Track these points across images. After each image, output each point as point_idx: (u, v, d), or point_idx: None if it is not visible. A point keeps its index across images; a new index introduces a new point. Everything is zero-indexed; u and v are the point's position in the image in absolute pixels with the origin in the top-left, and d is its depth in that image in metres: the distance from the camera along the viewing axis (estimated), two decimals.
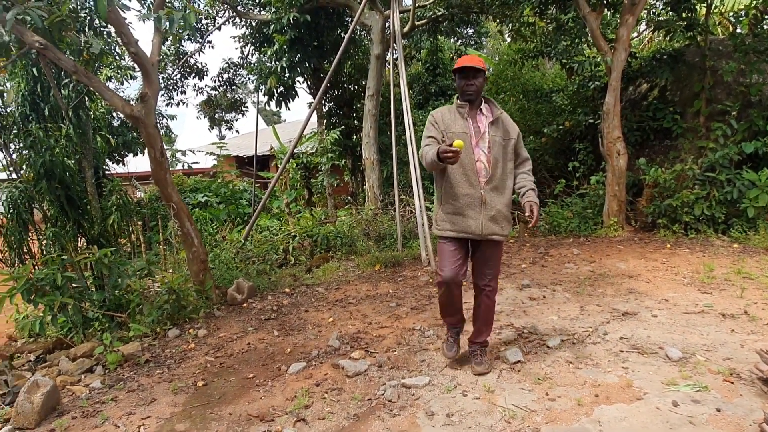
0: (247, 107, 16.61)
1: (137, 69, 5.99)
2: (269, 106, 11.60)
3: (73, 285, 4.56)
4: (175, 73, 12.97)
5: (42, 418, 3.08)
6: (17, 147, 5.89)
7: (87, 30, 5.44)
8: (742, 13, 8.20)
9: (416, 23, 10.07)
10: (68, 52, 4.97)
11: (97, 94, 5.70)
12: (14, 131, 5.85)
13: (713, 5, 8.37)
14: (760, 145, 7.09)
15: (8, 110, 6.00)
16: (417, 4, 9.94)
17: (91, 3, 4.18)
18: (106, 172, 7.07)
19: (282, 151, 11.89)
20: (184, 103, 14.78)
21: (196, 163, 13.07)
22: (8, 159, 5.91)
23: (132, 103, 4.92)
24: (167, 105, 13.61)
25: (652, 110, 8.72)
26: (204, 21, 11.88)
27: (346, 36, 7.95)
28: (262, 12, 10.86)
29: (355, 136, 11.63)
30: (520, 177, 3.19)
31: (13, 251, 5.52)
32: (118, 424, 3.00)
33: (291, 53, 10.07)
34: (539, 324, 4.11)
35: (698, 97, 8.13)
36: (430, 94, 12.10)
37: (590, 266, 5.87)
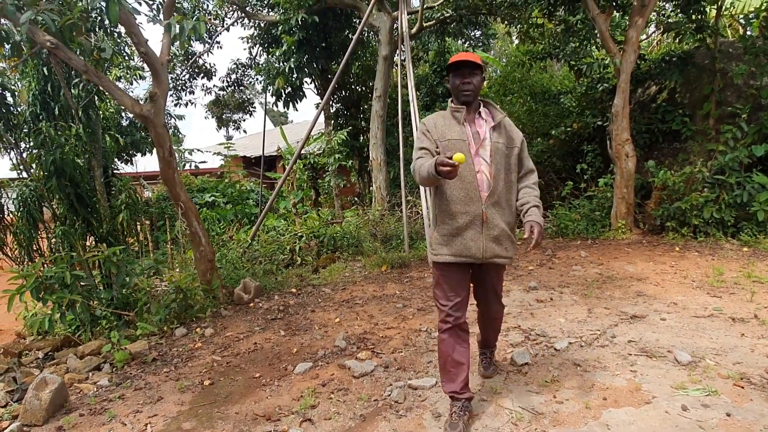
0: (254, 108, 16.70)
1: (146, 69, 6.04)
2: (277, 106, 11.65)
3: (82, 283, 4.59)
4: (184, 73, 13.05)
5: (50, 415, 3.10)
6: (27, 146, 5.94)
7: (98, 30, 5.49)
8: (753, 15, 8.14)
9: (424, 24, 10.07)
10: (78, 52, 5.02)
11: (106, 93, 5.75)
12: (25, 130, 5.90)
13: (723, 7, 8.31)
14: None
15: (20, 109, 6.06)
16: (425, 6, 9.93)
17: (103, 4, 4.20)
18: (115, 171, 7.11)
19: (289, 152, 11.93)
20: (192, 104, 14.83)
21: (204, 162, 13.14)
22: (19, 158, 5.96)
23: (141, 102, 4.94)
24: (176, 105, 13.72)
25: (661, 112, 8.66)
26: (213, 22, 11.95)
27: (354, 37, 7.96)
28: (271, 13, 10.91)
29: (362, 137, 11.64)
30: (523, 191, 2.75)
31: (23, 249, 5.57)
32: (125, 422, 3.01)
33: (299, 54, 10.10)
34: (547, 326, 4.09)
35: (708, 99, 8.07)
36: (437, 95, 12.08)
37: (598, 269, 5.84)
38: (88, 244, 5.65)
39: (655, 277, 5.35)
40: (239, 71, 13.88)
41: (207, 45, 12.46)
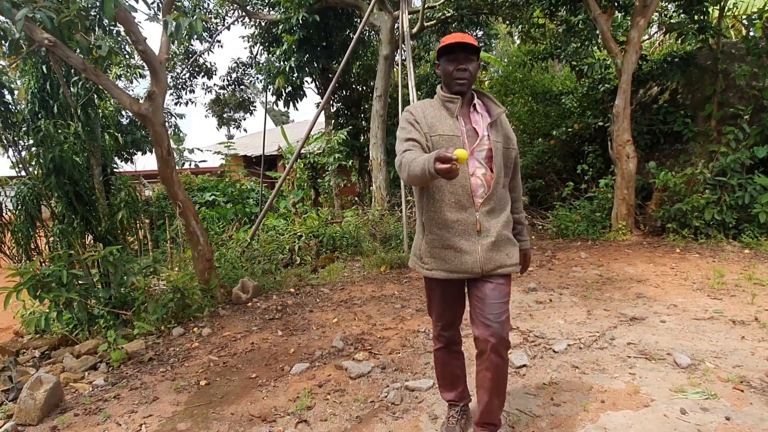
0: (255, 107, 16.70)
1: (146, 67, 6.02)
2: (277, 106, 11.64)
3: (79, 282, 4.57)
4: (184, 72, 13.05)
5: (44, 415, 3.08)
6: (26, 144, 5.93)
7: (97, 28, 5.47)
8: (756, 15, 8.10)
9: (425, 24, 10.05)
10: (77, 50, 5.00)
11: (106, 91, 5.73)
12: (24, 128, 5.89)
13: (726, 8, 8.27)
14: None
15: (19, 107, 6.05)
16: (426, 5, 9.91)
17: (98, 2, 4.19)
18: (115, 170, 7.09)
19: (290, 151, 11.93)
20: (192, 102, 14.83)
21: (204, 162, 13.14)
22: (18, 156, 5.95)
23: (140, 101, 4.93)
24: (176, 104, 13.71)
25: (663, 113, 8.63)
26: (213, 21, 11.94)
27: (355, 36, 7.94)
28: (272, 12, 10.89)
29: (362, 137, 11.63)
30: (514, 205, 2.46)
31: (20, 247, 5.55)
32: (119, 422, 2.99)
33: (299, 53, 10.09)
34: (545, 328, 4.06)
35: (710, 100, 8.04)
36: None
37: (598, 270, 5.81)
38: (87, 242, 5.64)
39: (656, 279, 5.32)
40: (240, 70, 13.88)
41: (207, 44, 12.46)
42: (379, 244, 7.47)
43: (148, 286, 4.98)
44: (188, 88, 13.45)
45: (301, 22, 9.41)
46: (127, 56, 7.90)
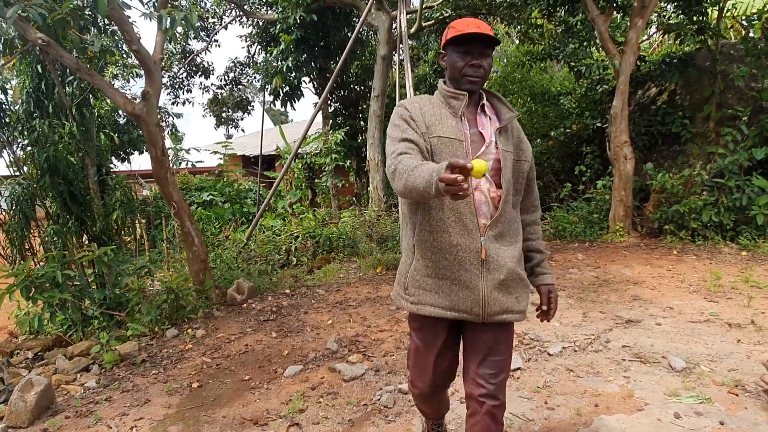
0: (253, 106, 16.67)
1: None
2: (275, 105, 11.63)
3: (74, 283, 4.55)
4: (181, 71, 13.02)
5: (35, 417, 3.06)
6: (21, 144, 5.91)
7: (92, 28, 5.45)
8: (755, 16, 8.08)
9: (423, 24, 10.02)
10: (74, 51, 4.97)
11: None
12: (18, 128, 5.86)
13: (725, 9, 8.25)
14: None
15: (14, 107, 6.02)
16: (424, 5, 9.88)
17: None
18: (111, 169, 7.07)
19: (288, 151, 11.88)
20: (189, 102, 14.79)
21: (201, 162, 13.10)
22: (12, 156, 5.92)
23: (135, 101, 4.90)
24: (173, 104, 13.68)
25: (661, 114, 8.61)
26: (210, 20, 11.92)
27: (353, 36, 7.91)
28: (269, 11, 10.87)
29: (360, 137, 11.60)
30: (530, 230, 2.01)
31: (15, 248, 5.52)
32: (110, 424, 2.97)
33: (297, 53, 10.06)
34: (540, 330, 4.04)
35: (708, 101, 8.02)
36: None
37: (594, 272, 5.79)
38: (82, 242, 5.61)
39: (652, 281, 5.31)
40: (237, 70, 13.85)
41: (205, 43, 12.43)
42: (375, 245, 7.45)
43: (142, 287, 4.96)
44: (185, 88, 13.43)
45: (298, 21, 9.38)
46: (123, 55, 7.87)
